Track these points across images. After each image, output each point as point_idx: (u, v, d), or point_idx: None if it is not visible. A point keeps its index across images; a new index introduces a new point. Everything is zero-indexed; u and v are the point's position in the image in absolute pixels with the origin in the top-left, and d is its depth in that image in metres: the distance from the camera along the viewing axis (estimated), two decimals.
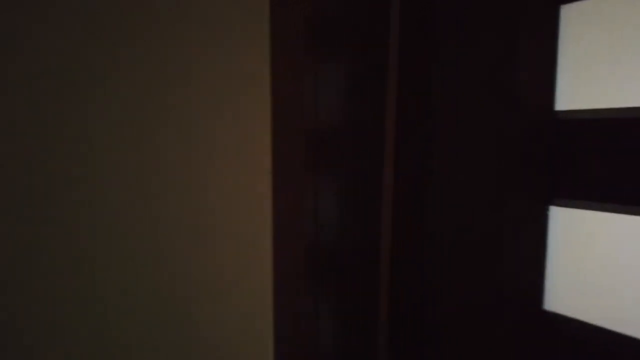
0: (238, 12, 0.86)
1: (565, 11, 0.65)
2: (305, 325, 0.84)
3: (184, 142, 0.87)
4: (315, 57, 0.82)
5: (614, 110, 0.60)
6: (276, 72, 0.87)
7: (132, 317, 0.84)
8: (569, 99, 0.65)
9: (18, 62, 0.70)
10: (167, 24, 0.81)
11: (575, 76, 0.65)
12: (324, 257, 0.86)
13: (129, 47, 0.79)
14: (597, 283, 0.61)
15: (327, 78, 0.83)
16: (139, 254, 0.83)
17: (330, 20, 0.82)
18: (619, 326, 0.57)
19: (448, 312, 0.74)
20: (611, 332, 0.57)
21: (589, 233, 0.62)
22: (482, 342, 0.68)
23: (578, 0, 0.64)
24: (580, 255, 0.63)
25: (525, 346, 0.64)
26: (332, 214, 0.85)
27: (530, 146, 0.65)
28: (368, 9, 0.83)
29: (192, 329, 0.90)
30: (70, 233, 0.77)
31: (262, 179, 0.91)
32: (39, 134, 0.73)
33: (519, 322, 0.64)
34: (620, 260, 0.60)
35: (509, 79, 0.67)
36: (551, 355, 0.61)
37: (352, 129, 0.83)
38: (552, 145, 0.63)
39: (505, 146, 0.67)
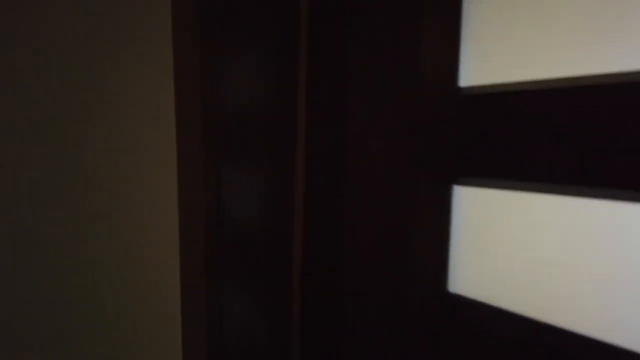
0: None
1: None
2: (214, 316, 0.79)
3: (85, 136, 0.82)
4: (221, 43, 0.78)
5: (518, 84, 0.59)
6: (179, 64, 0.83)
7: (37, 312, 0.79)
8: (472, 75, 0.63)
9: None
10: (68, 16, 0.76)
11: (478, 52, 0.63)
12: (233, 248, 0.81)
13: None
14: (501, 263, 0.59)
15: (235, 65, 0.78)
16: (41, 250, 0.78)
17: (236, 3, 0.77)
18: (522, 307, 0.55)
19: (357, 294, 0.71)
20: (514, 315, 0.55)
21: (493, 212, 0.60)
22: (389, 325, 0.65)
23: None
24: (484, 236, 0.61)
25: (430, 328, 0.61)
26: (242, 203, 0.80)
27: (435, 124, 0.62)
28: None
29: (99, 325, 0.85)
30: None
31: (167, 171, 0.86)
32: None
33: (424, 304, 0.62)
34: (525, 240, 0.58)
35: (414, 58, 0.65)
36: (455, 337, 0.58)
37: (262, 117, 0.79)
38: (456, 122, 0.61)
39: (410, 126, 0.64)
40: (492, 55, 0.62)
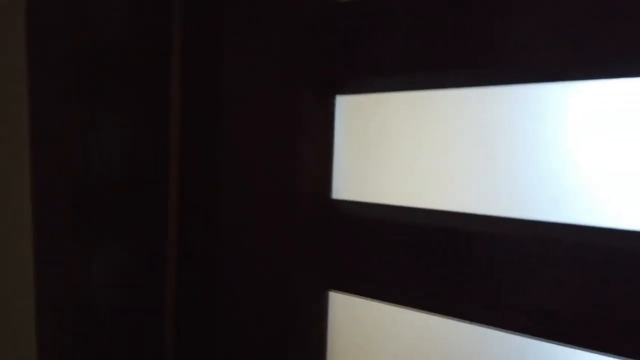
0: None
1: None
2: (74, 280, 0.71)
3: None
4: None
5: None
6: None
7: None
8: None
9: None
10: None
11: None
12: (98, 201, 0.73)
13: None
14: (378, 166, 0.63)
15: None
16: None
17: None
18: (399, 200, 0.60)
19: (243, 213, 0.70)
20: (389, 206, 0.59)
21: (370, 119, 0.64)
22: (279, 233, 0.66)
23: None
24: (362, 143, 0.65)
25: (317, 229, 0.64)
26: (113, 148, 0.74)
27: (313, 42, 0.63)
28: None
29: None
30: None
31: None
32: None
33: (311, 211, 0.64)
34: (399, 143, 0.63)
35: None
36: (338, 236, 0.62)
37: (135, 58, 0.73)
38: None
39: (288, 35, 0.64)
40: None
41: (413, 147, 0.62)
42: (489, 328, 0.53)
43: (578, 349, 0.48)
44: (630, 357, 0.44)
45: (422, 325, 0.62)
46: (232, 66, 0.70)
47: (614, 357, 0.46)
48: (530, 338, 0.51)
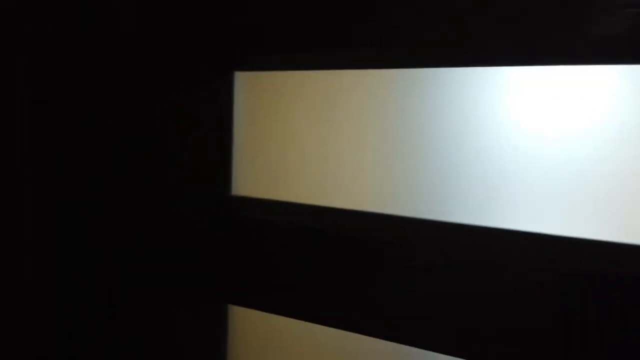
0: None
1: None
2: None
3: None
4: None
5: None
6: None
7: None
8: None
9: None
10: None
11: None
12: None
13: None
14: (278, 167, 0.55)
15: None
16: None
17: None
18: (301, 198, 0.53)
19: (126, 219, 0.59)
20: (295, 205, 0.54)
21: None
22: (169, 239, 0.59)
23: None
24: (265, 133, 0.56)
25: (213, 233, 0.57)
26: None
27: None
28: None
29: None
30: None
31: None
32: None
33: (206, 212, 0.57)
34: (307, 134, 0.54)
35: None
36: (240, 238, 0.56)
37: None
38: None
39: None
40: None
41: (320, 137, 0.53)
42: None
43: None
44: None
45: (327, 335, 0.58)
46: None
47: None
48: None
